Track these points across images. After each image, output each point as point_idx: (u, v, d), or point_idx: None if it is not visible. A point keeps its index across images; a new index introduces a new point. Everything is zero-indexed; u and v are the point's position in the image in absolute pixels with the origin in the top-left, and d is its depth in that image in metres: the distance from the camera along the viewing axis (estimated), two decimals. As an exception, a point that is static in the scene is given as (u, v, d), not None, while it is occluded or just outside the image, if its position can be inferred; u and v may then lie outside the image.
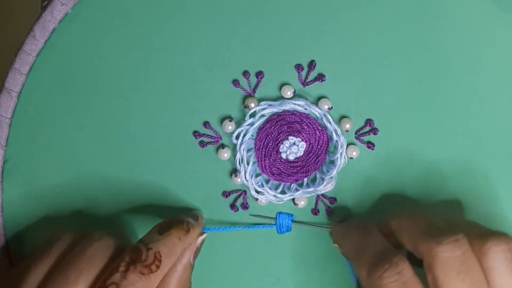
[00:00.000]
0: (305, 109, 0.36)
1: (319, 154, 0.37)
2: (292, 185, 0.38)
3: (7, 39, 0.53)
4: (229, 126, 0.37)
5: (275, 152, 0.37)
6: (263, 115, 0.37)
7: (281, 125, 0.37)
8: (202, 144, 0.37)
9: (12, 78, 0.37)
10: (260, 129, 0.37)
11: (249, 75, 0.36)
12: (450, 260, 0.29)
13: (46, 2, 0.36)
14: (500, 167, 0.36)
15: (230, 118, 0.37)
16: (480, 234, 0.30)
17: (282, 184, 0.38)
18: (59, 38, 0.37)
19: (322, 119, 0.36)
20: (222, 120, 0.37)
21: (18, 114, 0.37)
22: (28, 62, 0.37)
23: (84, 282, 0.31)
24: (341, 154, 0.36)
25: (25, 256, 0.38)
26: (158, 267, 0.32)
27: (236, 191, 0.38)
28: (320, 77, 0.36)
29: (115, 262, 0.32)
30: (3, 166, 0.38)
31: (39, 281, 0.32)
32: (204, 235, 0.36)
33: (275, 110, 0.36)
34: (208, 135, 0.37)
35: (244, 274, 0.38)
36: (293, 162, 0.37)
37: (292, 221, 0.37)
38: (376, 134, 0.37)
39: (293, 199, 0.37)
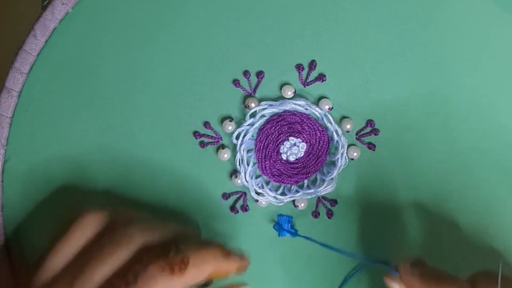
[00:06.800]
0: (306, 109, 0.36)
1: (319, 155, 0.37)
2: (293, 186, 0.37)
3: (8, 38, 0.54)
4: (229, 126, 0.36)
5: (275, 153, 0.37)
6: (263, 115, 0.36)
7: (281, 126, 0.36)
8: (202, 144, 0.37)
9: (13, 78, 0.37)
10: (260, 129, 0.37)
11: (250, 75, 0.36)
12: None
13: (46, 2, 0.36)
14: (502, 168, 0.36)
15: (230, 118, 0.36)
16: None
17: (283, 185, 0.37)
18: (60, 38, 0.37)
19: (322, 119, 0.36)
20: (223, 120, 0.36)
21: (19, 114, 0.37)
22: (29, 62, 0.37)
23: (108, 267, 0.30)
24: (342, 154, 0.36)
25: (25, 256, 0.38)
26: (181, 271, 0.30)
27: (236, 192, 0.37)
28: (321, 77, 0.36)
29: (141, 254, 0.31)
30: (3, 165, 0.38)
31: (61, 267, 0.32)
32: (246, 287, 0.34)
33: (275, 110, 0.36)
34: (208, 135, 0.37)
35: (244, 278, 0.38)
36: (293, 163, 0.37)
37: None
38: (377, 134, 0.36)
39: (293, 201, 0.37)
